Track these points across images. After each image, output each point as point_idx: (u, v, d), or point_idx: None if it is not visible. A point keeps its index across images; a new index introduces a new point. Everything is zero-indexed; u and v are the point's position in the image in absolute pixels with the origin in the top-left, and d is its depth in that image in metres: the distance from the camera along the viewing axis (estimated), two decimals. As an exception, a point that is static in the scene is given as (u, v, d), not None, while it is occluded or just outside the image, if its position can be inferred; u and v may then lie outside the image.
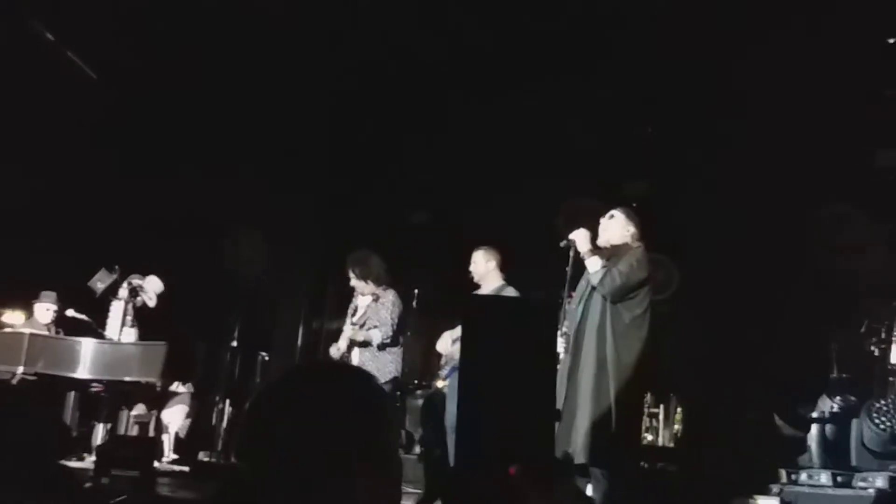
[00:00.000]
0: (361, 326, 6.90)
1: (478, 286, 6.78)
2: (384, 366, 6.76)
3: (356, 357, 6.85)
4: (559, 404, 5.15)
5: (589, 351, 5.54)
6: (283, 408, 1.50)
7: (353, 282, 7.03)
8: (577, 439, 5.29)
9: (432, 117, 9.10)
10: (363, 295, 7.05)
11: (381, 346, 6.79)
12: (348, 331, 6.97)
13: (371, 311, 6.93)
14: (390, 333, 6.81)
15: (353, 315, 7.07)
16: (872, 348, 7.43)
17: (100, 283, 8.75)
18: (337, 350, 7.01)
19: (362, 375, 1.67)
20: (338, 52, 8.45)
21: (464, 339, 4.60)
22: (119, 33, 8.31)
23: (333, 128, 9.63)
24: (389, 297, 6.97)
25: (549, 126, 8.89)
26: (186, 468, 7.65)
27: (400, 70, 8.59)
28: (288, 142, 9.53)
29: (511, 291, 6.73)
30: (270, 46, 8.17)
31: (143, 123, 9.43)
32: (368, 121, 9.34)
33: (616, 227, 5.82)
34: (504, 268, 6.88)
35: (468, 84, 8.67)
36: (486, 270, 6.81)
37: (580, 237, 5.77)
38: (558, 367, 5.36)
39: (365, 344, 6.83)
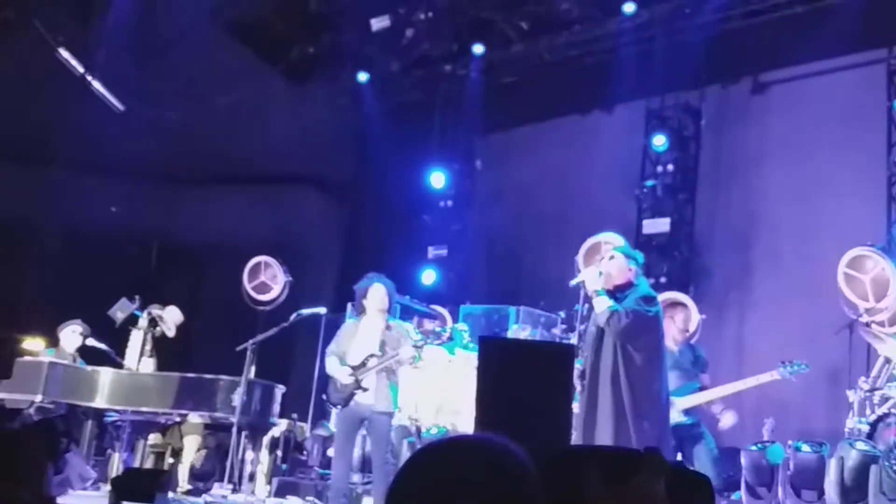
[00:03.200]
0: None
1: None
2: (392, 392, 6.85)
3: (380, 380, 6.81)
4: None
5: (605, 400, 5.55)
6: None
7: (380, 300, 7.02)
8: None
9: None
10: (377, 316, 7.00)
11: (395, 372, 6.91)
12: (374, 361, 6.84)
13: (390, 340, 6.90)
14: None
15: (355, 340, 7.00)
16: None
17: (120, 312, 8.81)
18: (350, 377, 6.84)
19: (509, 450, 1.59)
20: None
21: (479, 382, 4.60)
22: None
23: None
24: (399, 326, 7.18)
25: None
26: (200, 500, 7.63)
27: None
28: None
29: None
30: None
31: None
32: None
33: (617, 267, 5.90)
34: None
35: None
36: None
37: (589, 276, 5.85)
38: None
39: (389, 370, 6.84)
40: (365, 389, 6.77)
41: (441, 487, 1.47)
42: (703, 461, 6.64)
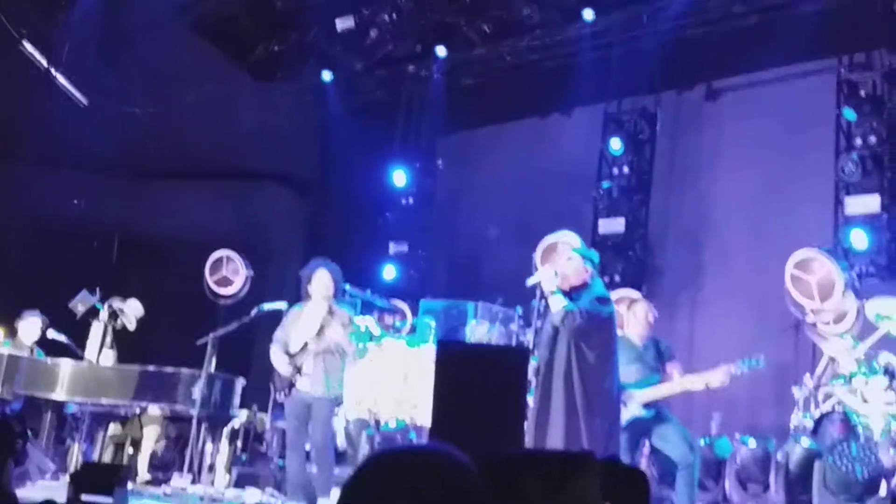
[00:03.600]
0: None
1: None
2: (333, 376, 6.81)
3: (317, 365, 6.81)
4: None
5: (557, 396, 5.69)
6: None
7: (323, 287, 6.96)
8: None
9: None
10: (320, 303, 6.95)
11: (336, 358, 6.86)
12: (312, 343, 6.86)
13: (328, 326, 6.84)
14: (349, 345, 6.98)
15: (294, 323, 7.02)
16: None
17: (80, 304, 8.82)
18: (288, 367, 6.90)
19: (452, 460, 1.64)
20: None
21: (436, 384, 4.74)
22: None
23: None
24: (343, 310, 7.01)
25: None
26: (160, 491, 7.70)
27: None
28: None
29: None
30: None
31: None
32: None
33: (573, 268, 6.09)
34: None
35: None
36: None
37: (546, 276, 6.01)
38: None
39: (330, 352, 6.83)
40: (302, 375, 6.82)
41: (389, 498, 1.53)
42: (673, 440, 6.64)
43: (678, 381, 6.76)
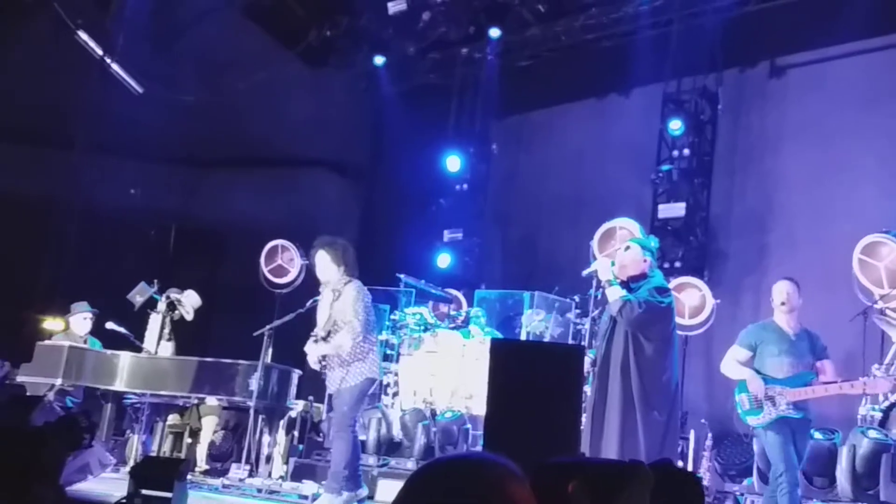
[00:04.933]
0: (328, 335, 6.55)
1: None
2: (353, 366, 6.39)
3: (331, 359, 6.54)
4: (584, 446, 5.20)
5: (614, 389, 5.60)
6: None
7: (320, 271, 6.59)
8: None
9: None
10: (326, 288, 6.59)
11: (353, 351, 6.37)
12: (312, 347, 6.61)
13: (336, 312, 6.49)
14: (358, 331, 6.33)
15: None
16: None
17: (138, 296, 8.89)
18: (316, 363, 6.68)
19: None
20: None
21: (490, 383, 4.66)
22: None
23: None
24: (351, 289, 6.43)
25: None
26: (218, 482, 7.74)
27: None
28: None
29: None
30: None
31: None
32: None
33: (631, 258, 5.95)
34: None
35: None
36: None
37: (602, 267, 5.92)
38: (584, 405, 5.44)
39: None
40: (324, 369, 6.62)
41: None
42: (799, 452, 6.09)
43: (835, 387, 6.03)
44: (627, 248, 6.10)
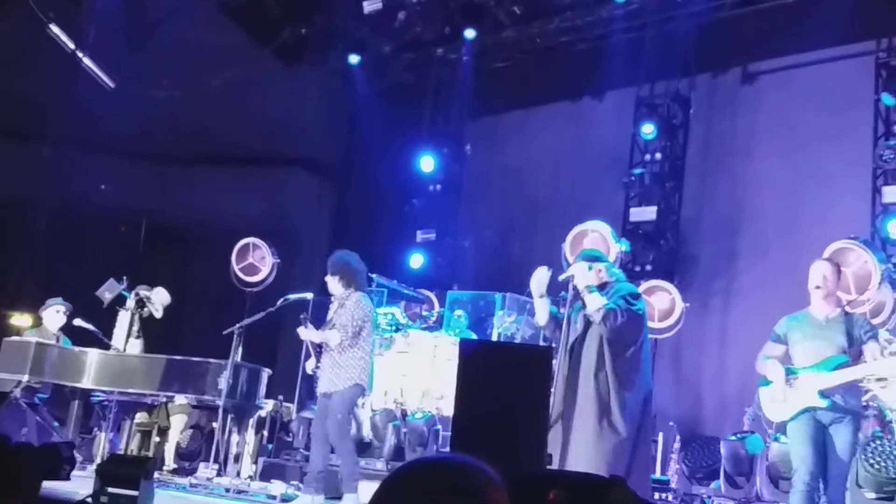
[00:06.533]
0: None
1: None
2: (343, 370, 6.73)
3: (323, 361, 6.89)
4: (552, 450, 5.19)
5: (587, 395, 5.55)
6: None
7: (329, 282, 7.02)
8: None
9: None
10: (335, 297, 7.02)
11: (341, 350, 6.74)
12: (304, 331, 6.99)
13: (336, 316, 6.91)
14: (349, 335, 6.71)
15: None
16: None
17: (107, 292, 8.82)
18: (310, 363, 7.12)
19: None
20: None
21: (459, 384, 4.68)
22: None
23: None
24: (352, 299, 6.87)
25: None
26: (185, 481, 7.70)
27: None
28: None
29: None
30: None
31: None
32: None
33: (583, 269, 5.81)
34: None
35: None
36: None
37: (579, 272, 5.82)
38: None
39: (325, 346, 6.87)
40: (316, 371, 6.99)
41: None
42: (834, 464, 5.36)
43: (860, 367, 5.30)
44: (580, 269, 5.79)
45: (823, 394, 5.28)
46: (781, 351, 5.62)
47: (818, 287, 5.55)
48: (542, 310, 5.82)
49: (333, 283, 7.00)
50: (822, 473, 5.33)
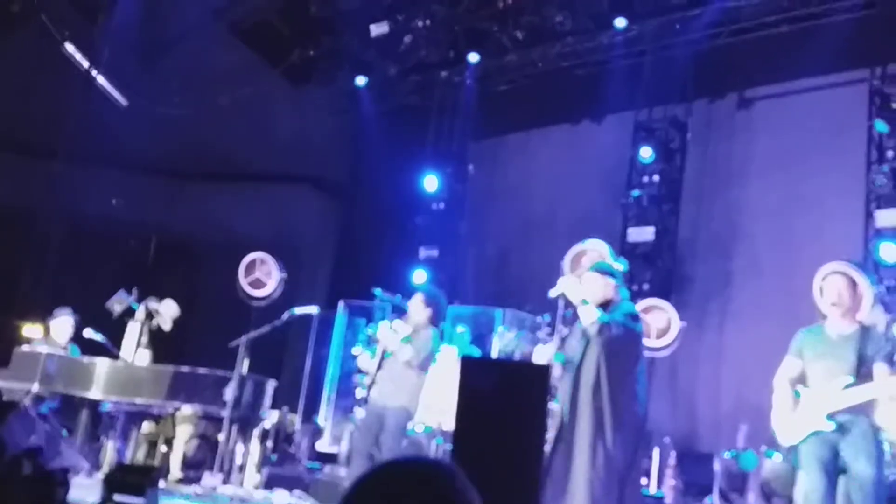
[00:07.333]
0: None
1: None
2: (400, 389, 6.73)
3: (383, 373, 6.86)
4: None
5: (584, 412, 5.64)
6: None
7: (417, 309, 7.04)
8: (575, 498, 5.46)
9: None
10: (409, 322, 7.02)
11: (407, 368, 6.73)
12: (388, 331, 6.94)
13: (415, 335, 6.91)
14: (420, 358, 6.74)
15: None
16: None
17: (117, 304, 8.99)
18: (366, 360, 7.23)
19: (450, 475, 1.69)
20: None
21: (459, 399, 4.81)
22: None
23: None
24: (429, 332, 6.93)
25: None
26: (190, 490, 7.86)
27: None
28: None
29: None
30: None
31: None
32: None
33: (596, 285, 5.96)
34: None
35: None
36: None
37: (570, 287, 5.92)
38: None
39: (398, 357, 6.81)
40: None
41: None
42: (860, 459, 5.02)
43: (867, 387, 5.02)
44: (589, 278, 5.98)
45: (830, 416, 5.09)
46: (799, 368, 5.39)
47: (834, 304, 5.28)
48: (591, 313, 5.75)
49: (420, 311, 7.01)
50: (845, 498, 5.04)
